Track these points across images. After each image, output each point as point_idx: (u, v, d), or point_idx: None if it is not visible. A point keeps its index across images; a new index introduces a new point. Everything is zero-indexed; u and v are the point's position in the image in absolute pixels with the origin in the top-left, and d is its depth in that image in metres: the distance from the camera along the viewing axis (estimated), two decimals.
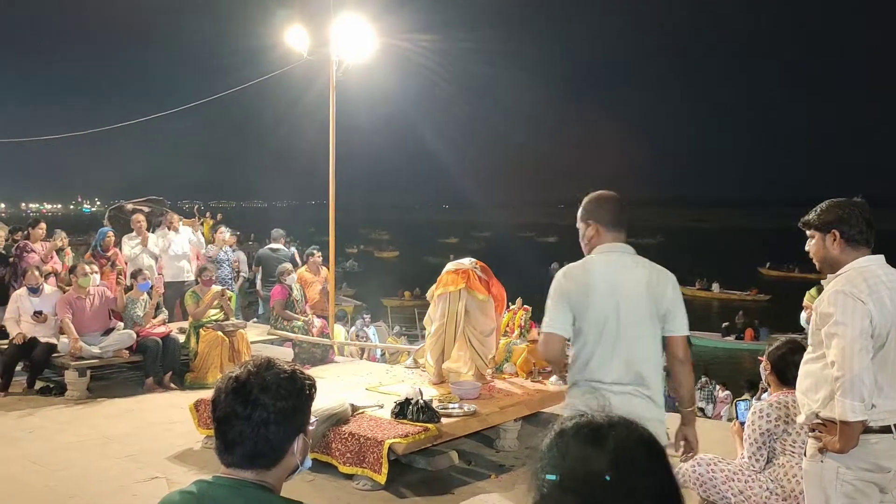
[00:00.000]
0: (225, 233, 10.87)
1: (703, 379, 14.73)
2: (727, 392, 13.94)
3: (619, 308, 3.00)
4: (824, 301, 2.80)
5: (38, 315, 7.56)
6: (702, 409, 13.40)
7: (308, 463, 1.74)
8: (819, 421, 2.81)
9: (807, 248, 2.97)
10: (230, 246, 10.97)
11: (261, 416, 1.60)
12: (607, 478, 1.06)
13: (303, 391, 1.67)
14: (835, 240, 2.84)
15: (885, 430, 2.73)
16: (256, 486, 1.62)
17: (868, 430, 2.70)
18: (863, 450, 2.71)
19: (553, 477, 1.10)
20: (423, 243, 61.33)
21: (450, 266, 6.34)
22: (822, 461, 2.82)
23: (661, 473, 1.12)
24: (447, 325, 6.16)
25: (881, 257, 2.86)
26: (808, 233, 2.96)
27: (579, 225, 3.19)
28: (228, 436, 1.63)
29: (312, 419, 1.73)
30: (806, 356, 2.98)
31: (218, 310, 8.14)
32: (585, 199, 3.19)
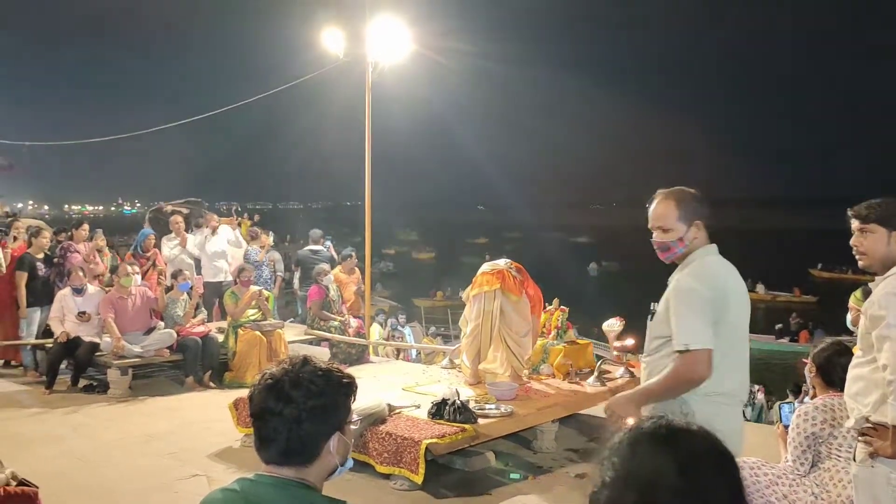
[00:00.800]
0: (270, 236, 11.02)
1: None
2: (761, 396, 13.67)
3: (743, 315, 2.89)
4: (875, 303, 2.72)
5: (81, 315, 7.71)
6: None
7: (349, 463, 1.73)
8: (870, 425, 2.73)
9: (853, 242, 2.87)
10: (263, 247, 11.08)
11: (292, 413, 1.60)
12: (673, 483, 1.05)
13: (339, 389, 1.66)
14: (889, 238, 2.75)
15: None
16: (299, 485, 1.62)
17: None
18: None
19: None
20: (452, 243, 61.22)
21: (485, 267, 6.33)
22: (872, 466, 2.73)
23: (728, 488, 1.10)
24: (482, 326, 6.14)
25: None
26: (859, 227, 2.84)
27: (678, 225, 2.87)
28: (263, 432, 1.64)
29: (355, 418, 1.73)
30: (855, 360, 2.90)
31: (256, 310, 8.23)
32: (683, 197, 2.91)
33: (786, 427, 3.90)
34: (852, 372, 2.88)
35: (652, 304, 3.12)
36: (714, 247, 2.92)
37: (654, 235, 2.94)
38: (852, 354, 3.02)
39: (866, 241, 2.82)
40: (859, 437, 2.79)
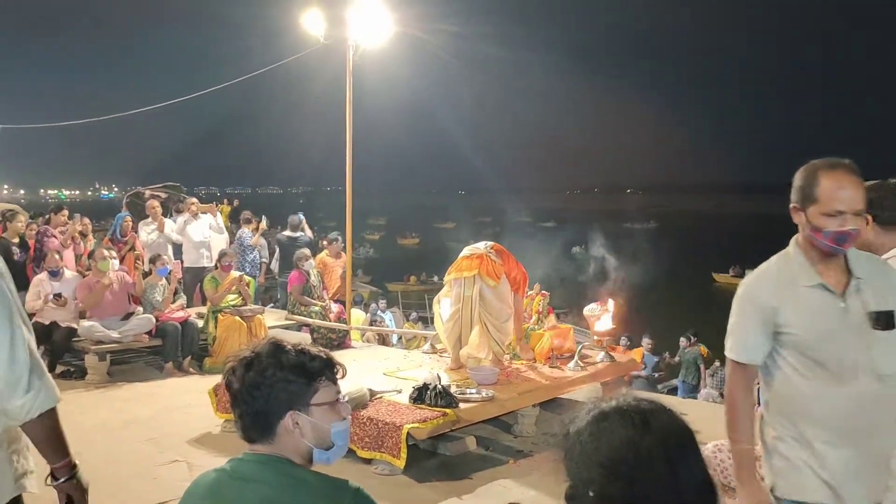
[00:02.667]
0: (264, 220, 10.97)
1: (717, 364, 14.59)
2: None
3: None
4: None
5: (57, 298, 7.61)
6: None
7: (338, 451, 1.71)
8: None
9: None
10: (252, 232, 11.01)
11: (238, 391, 1.65)
12: (660, 462, 1.05)
13: (292, 369, 1.65)
14: (867, 224, 2.60)
15: None
16: (280, 459, 1.64)
17: None
18: None
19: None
20: (422, 228, 61.07)
21: (465, 251, 6.31)
22: None
23: (701, 460, 1.12)
24: (462, 311, 6.14)
25: None
26: None
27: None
28: (233, 408, 1.69)
29: (342, 398, 1.71)
30: None
31: (236, 295, 8.18)
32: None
33: None
34: None
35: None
36: None
37: (846, 222, 2.24)
38: None
39: None
40: None
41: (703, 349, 13.68)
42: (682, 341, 13.85)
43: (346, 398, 1.77)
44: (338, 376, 1.72)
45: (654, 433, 1.09)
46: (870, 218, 2.64)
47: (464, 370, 5.96)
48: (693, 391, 12.61)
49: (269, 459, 1.65)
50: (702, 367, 13.82)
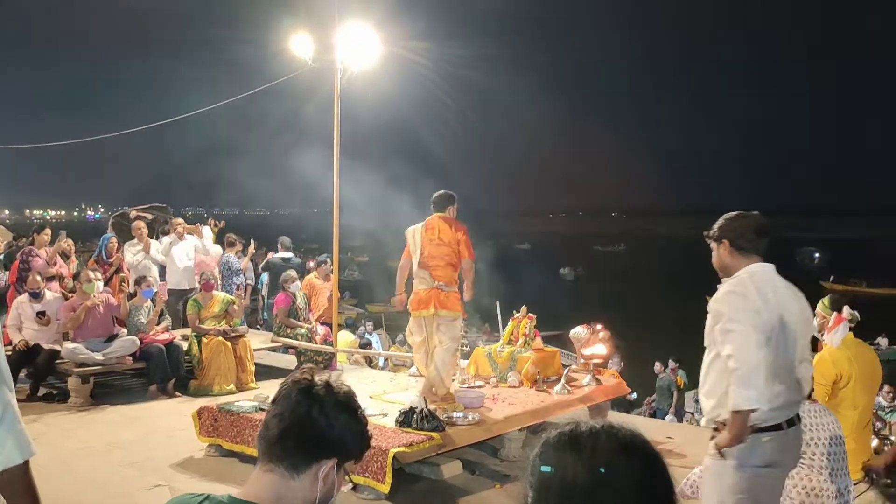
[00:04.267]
0: (252, 244, 10.94)
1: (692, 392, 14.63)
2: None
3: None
4: (718, 300, 3.01)
5: (41, 316, 7.53)
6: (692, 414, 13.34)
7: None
8: (720, 420, 2.96)
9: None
10: (238, 255, 10.95)
11: (310, 407, 1.55)
12: (582, 483, 1.05)
13: (363, 429, 1.61)
14: (726, 249, 3.12)
15: (776, 427, 2.94)
16: None
17: (760, 429, 2.90)
18: (757, 449, 2.90)
19: (537, 483, 1.09)
20: (394, 252, 60.97)
21: (417, 281, 6.00)
22: (719, 459, 2.94)
23: (644, 478, 1.09)
24: (428, 342, 6.00)
25: (771, 266, 3.11)
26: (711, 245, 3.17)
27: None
28: (275, 418, 1.57)
29: (347, 484, 1.64)
30: (705, 357, 3.10)
31: (222, 317, 8.12)
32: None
33: None
34: (703, 369, 3.11)
35: None
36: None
37: None
38: None
39: (714, 255, 3.19)
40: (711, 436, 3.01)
41: (680, 379, 13.64)
42: (657, 366, 13.85)
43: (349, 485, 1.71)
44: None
45: (583, 454, 1.08)
46: (727, 243, 3.12)
47: (449, 395, 5.90)
48: (664, 417, 12.63)
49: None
50: (675, 393, 13.84)
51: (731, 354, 2.88)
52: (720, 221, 3.19)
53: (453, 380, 6.57)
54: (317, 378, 1.61)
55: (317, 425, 1.54)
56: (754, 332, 2.88)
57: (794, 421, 3.03)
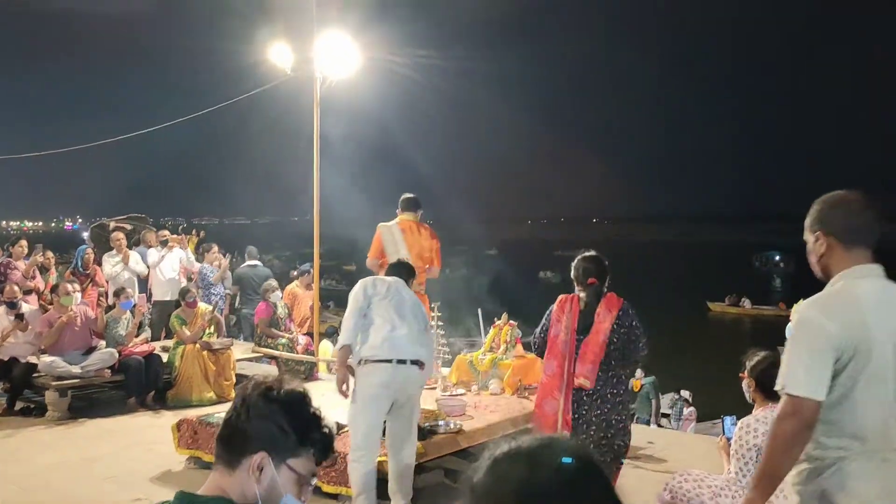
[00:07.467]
0: (220, 255, 10.79)
1: (674, 395, 14.70)
2: (692, 409, 13.92)
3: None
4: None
5: (19, 320, 7.44)
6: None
7: None
8: None
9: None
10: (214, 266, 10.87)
11: (240, 404, 1.63)
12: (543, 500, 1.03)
13: (300, 422, 1.63)
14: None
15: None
16: (212, 499, 1.58)
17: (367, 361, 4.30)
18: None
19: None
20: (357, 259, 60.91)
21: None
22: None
23: (609, 495, 1.07)
24: None
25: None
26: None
27: (807, 236, 2.47)
28: (224, 419, 1.67)
29: (312, 482, 1.66)
30: None
31: (211, 329, 8.06)
32: (820, 202, 2.44)
33: (728, 439, 3.97)
34: None
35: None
36: (869, 267, 2.36)
37: None
38: None
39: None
40: None
41: (637, 383, 13.70)
42: (639, 373, 13.90)
43: (313, 486, 1.73)
44: (324, 463, 1.69)
45: (544, 471, 1.05)
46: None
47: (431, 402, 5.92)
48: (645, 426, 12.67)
49: (194, 498, 1.58)
50: (654, 401, 13.91)
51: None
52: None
53: (434, 387, 6.61)
54: (258, 379, 1.67)
55: (239, 419, 1.61)
56: (353, 300, 3.03)
57: None
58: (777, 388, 2.33)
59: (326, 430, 1.67)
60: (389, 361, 4.36)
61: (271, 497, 1.59)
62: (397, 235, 6.04)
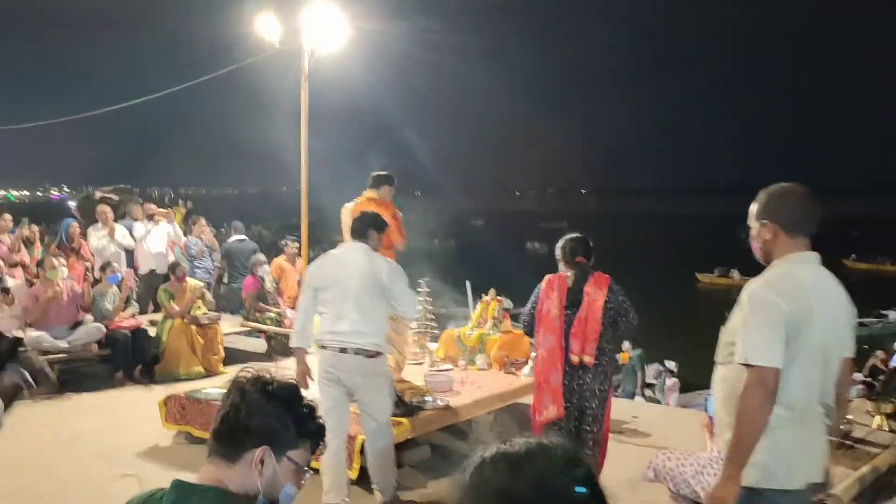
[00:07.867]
0: (206, 228, 10.74)
1: (659, 367, 14.76)
2: (675, 380, 13.95)
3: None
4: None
5: (5, 294, 7.41)
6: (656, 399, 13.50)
7: (286, 500, 1.69)
8: None
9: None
10: (201, 237, 10.83)
11: (238, 401, 1.62)
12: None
13: (298, 417, 1.65)
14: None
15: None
16: (210, 489, 1.59)
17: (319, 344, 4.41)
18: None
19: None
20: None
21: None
22: None
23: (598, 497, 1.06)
24: None
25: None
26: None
27: (752, 223, 2.67)
28: (218, 414, 1.66)
29: (307, 475, 1.69)
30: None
31: (199, 304, 8.05)
32: (766, 193, 2.65)
33: (711, 418, 4.01)
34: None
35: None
36: (808, 255, 2.59)
37: None
38: None
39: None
40: None
41: (626, 354, 13.77)
42: (626, 345, 13.97)
43: (309, 474, 1.76)
44: (316, 452, 1.73)
45: (526, 478, 1.04)
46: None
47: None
48: (630, 398, 12.74)
49: (193, 488, 1.59)
50: (639, 373, 14.01)
51: None
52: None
53: (421, 363, 6.64)
54: (254, 373, 1.68)
55: (239, 416, 1.62)
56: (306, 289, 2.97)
57: None
58: (739, 361, 2.46)
59: (320, 420, 1.72)
60: (334, 349, 4.47)
61: (272, 487, 1.64)
62: (345, 217, 6.01)
